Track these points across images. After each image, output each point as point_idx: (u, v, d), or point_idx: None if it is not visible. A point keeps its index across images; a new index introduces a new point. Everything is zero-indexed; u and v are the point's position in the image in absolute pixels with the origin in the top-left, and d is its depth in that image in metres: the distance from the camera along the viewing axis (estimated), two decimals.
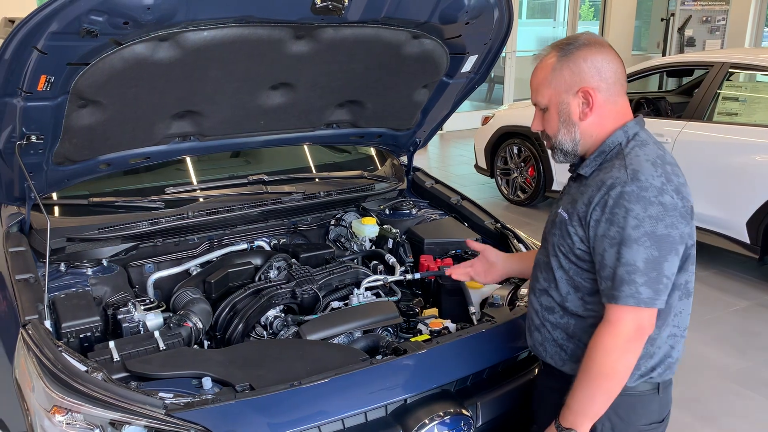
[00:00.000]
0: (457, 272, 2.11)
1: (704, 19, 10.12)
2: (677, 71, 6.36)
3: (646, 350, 1.57)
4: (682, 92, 6.36)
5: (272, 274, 2.44)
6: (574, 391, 1.56)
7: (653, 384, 1.63)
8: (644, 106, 5.75)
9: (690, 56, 5.96)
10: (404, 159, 3.19)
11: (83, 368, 1.65)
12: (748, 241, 4.54)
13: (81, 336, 1.92)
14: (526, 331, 1.81)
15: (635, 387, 1.61)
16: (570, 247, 1.59)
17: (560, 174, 5.94)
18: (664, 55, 10.19)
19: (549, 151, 1.70)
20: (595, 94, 1.56)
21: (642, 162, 1.50)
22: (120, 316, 2.03)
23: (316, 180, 2.92)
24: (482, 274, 2.08)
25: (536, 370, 1.99)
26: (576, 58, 1.57)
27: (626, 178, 1.47)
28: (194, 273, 2.46)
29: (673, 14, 10.02)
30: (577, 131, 1.60)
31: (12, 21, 3.48)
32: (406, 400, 1.78)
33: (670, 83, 8.79)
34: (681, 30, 9.88)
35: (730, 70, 4.92)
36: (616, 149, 1.58)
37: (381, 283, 2.41)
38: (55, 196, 2.40)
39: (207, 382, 1.72)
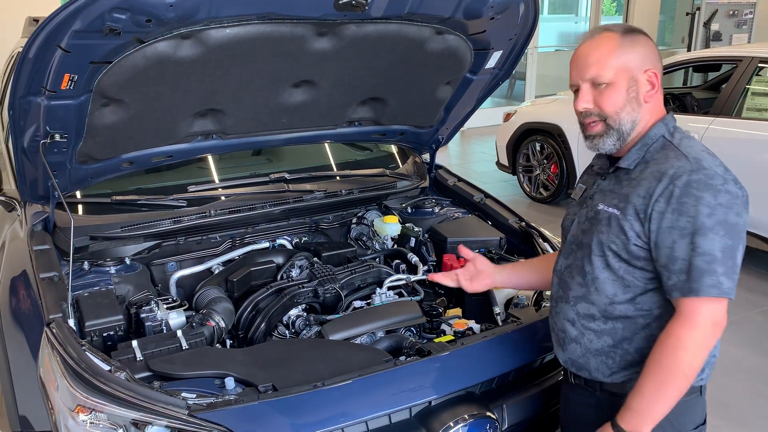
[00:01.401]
0: (440, 277, 2.01)
1: (731, 13, 9.91)
2: (703, 66, 6.24)
3: None
4: (708, 88, 6.25)
5: (294, 272, 2.42)
6: (640, 390, 1.46)
7: (698, 386, 1.58)
8: (669, 101, 5.64)
9: (717, 51, 5.84)
10: (426, 156, 3.16)
11: (106, 367, 1.65)
12: None
13: (104, 335, 1.93)
14: (556, 345, 1.72)
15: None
16: (624, 244, 1.50)
17: None
18: (689, 50, 10.02)
19: (588, 138, 1.58)
20: (659, 79, 1.52)
21: (699, 151, 1.47)
22: (143, 315, 2.03)
23: (338, 178, 2.90)
24: (468, 281, 1.98)
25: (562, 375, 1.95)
26: (641, 41, 1.53)
27: (691, 167, 1.43)
28: (216, 271, 2.45)
29: (698, 8, 9.83)
30: (639, 113, 1.53)
31: (36, 20, 3.51)
32: (430, 402, 1.76)
33: (695, 79, 8.64)
34: (707, 24, 9.69)
35: (759, 64, 4.81)
36: (659, 142, 1.53)
37: (403, 282, 2.39)
38: (78, 194, 2.41)
39: (230, 383, 1.71)
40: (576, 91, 1.58)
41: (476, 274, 1.98)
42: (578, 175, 5.84)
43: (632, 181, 1.53)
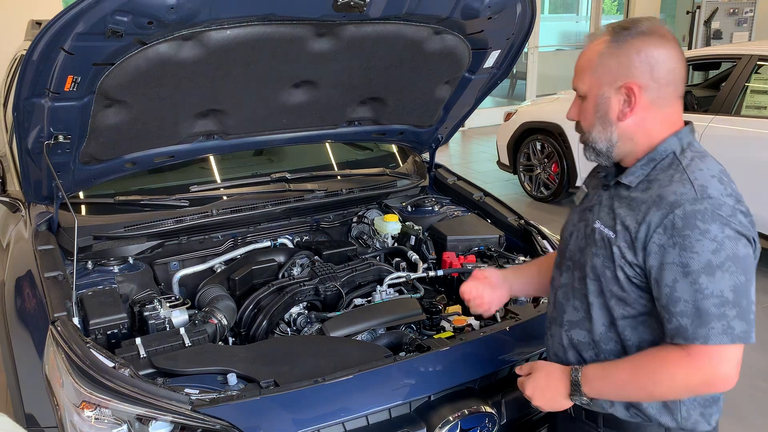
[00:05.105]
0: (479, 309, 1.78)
1: (731, 11, 9.91)
2: (704, 64, 6.24)
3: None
4: (708, 86, 6.25)
5: (296, 271, 2.45)
6: (609, 371, 1.37)
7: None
8: None
9: (717, 49, 5.86)
10: (426, 156, 3.19)
11: (111, 364, 1.67)
12: None
13: (108, 332, 1.95)
14: None
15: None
16: (613, 273, 1.37)
17: (585, 170, 5.87)
18: (690, 48, 10.02)
19: (582, 146, 1.49)
20: (639, 93, 1.34)
21: (708, 178, 1.30)
22: (146, 313, 2.05)
23: (339, 177, 2.92)
24: (494, 302, 1.77)
25: None
26: (628, 47, 1.34)
27: (695, 195, 1.27)
28: (219, 270, 2.48)
29: (699, 6, 9.84)
30: (615, 132, 1.39)
31: (39, 23, 3.54)
32: (430, 397, 1.78)
33: (696, 77, 8.65)
34: (707, 23, 9.70)
35: (758, 62, 4.82)
36: (669, 158, 1.37)
37: (404, 280, 2.41)
38: (82, 195, 2.44)
39: (232, 378, 1.74)
40: None
41: (493, 290, 1.77)
42: (579, 174, 5.90)
43: (630, 201, 1.37)
